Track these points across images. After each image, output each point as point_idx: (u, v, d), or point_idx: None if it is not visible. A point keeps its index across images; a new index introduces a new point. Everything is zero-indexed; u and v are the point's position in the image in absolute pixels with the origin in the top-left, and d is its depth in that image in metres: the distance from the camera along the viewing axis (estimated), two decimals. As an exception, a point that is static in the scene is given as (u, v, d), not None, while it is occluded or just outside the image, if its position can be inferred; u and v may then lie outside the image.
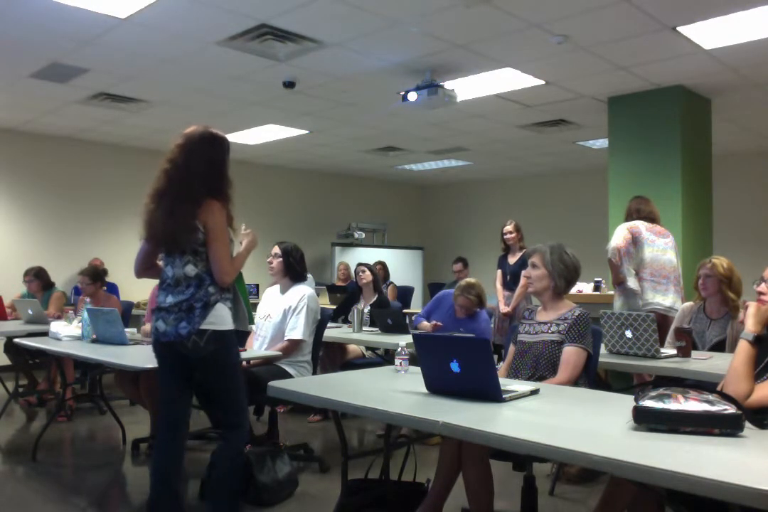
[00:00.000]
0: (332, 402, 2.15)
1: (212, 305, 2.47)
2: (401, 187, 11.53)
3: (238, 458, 2.63)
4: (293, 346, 3.57)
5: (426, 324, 4.42)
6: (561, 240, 2.93)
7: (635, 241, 4.30)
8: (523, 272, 3.21)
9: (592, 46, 4.64)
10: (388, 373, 2.67)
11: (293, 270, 3.72)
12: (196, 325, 2.44)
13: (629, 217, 4.49)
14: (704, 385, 1.83)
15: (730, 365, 1.87)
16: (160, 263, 2.63)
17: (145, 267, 2.67)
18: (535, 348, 2.69)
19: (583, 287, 6.05)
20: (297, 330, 3.56)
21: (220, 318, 2.50)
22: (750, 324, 1.90)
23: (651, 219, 4.46)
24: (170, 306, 2.49)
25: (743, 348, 1.86)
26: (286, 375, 3.43)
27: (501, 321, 5.37)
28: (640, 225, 4.37)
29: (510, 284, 5.44)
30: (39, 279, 5.53)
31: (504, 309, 5.34)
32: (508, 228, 5.51)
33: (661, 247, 4.39)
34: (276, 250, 3.74)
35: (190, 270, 2.48)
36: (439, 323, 4.34)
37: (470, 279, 4.45)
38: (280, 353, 3.46)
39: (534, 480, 2.44)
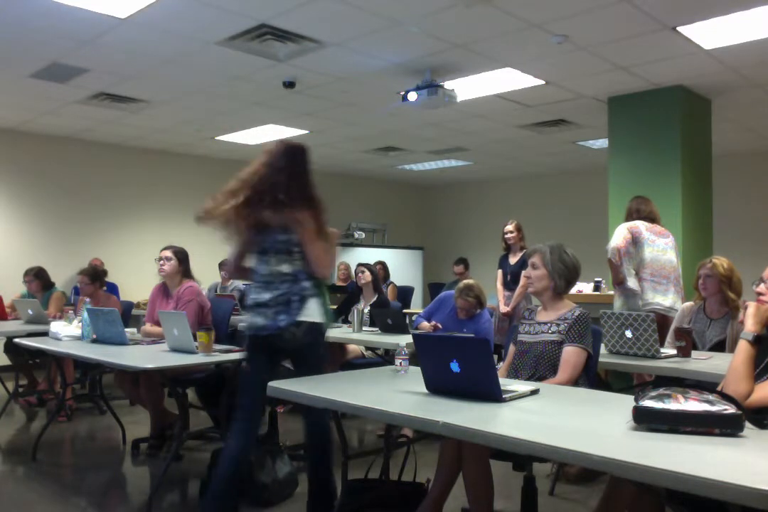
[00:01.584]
0: (332, 402, 2.15)
1: (307, 299, 2.68)
2: (401, 187, 11.53)
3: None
4: None
5: (426, 325, 4.42)
6: (561, 240, 2.92)
7: (635, 240, 4.30)
8: (524, 272, 3.22)
9: (592, 46, 4.64)
10: (388, 373, 2.67)
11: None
12: (294, 317, 2.64)
13: (629, 217, 4.49)
14: (704, 385, 1.83)
15: (730, 365, 1.87)
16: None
17: (237, 269, 2.86)
18: (536, 349, 2.69)
19: (583, 287, 6.05)
20: None
21: (314, 311, 2.69)
22: (749, 324, 1.90)
23: (651, 219, 4.46)
24: (268, 301, 2.66)
25: (743, 348, 1.86)
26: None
27: (501, 321, 5.37)
28: (640, 225, 4.37)
29: (510, 284, 5.45)
30: (39, 280, 5.52)
31: (504, 309, 5.35)
32: (509, 227, 5.52)
33: (661, 247, 4.39)
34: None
35: (285, 268, 2.68)
36: (438, 325, 4.34)
37: (469, 281, 4.45)
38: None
39: (534, 480, 2.44)
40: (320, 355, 2.79)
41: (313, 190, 2.77)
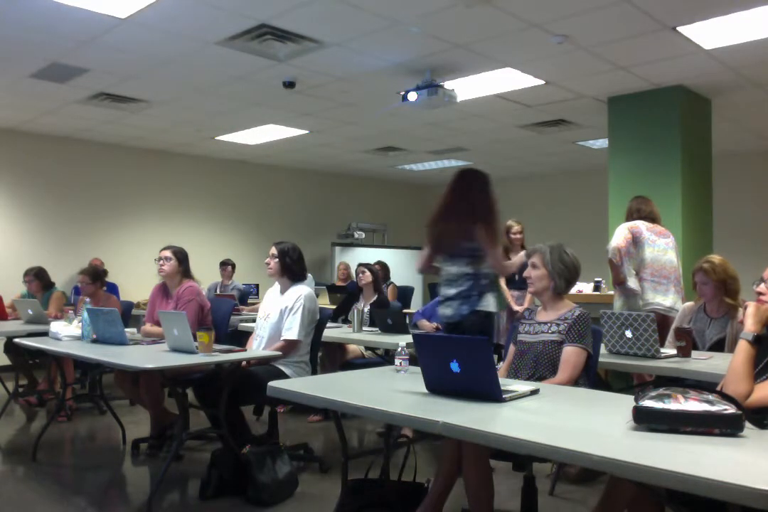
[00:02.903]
0: (332, 402, 2.15)
1: (485, 294, 3.34)
2: (401, 187, 11.53)
3: None
4: (289, 346, 3.56)
5: (426, 324, 4.42)
6: (561, 240, 2.93)
7: (636, 241, 4.30)
8: (525, 272, 3.23)
9: (592, 46, 4.64)
10: (388, 373, 2.67)
11: (291, 270, 3.71)
12: (473, 307, 3.30)
13: (630, 217, 4.49)
14: (704, 385, 1.83)
15: (729, 365, 1.86)
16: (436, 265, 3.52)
17: (428, 267, 3.58)
18: (535, 348, 2.69)
19: (583, 287, 6.04)
20: (292, 330, 3.56)
21: (489, 303, 3.35)
22: (749, 323, 1.89)
23: (652, 219, 4.46)
24: (454, 295, 3.35)
25: (743, 347, 1.86)
26: (283, 376, 3.42)
27: (507, 320, 5.38)
28: (641, 225, 4.37)
29: (519, 283, 5.45)
30: (39, 280, 5.53)
31: (517, 307, 5.36)
32: (518, 228, 5.59)
33: (661, 247, 4.39)
34: (273, 250, 3.74)
35: (469, 269, 3.33)
36: (440, 326, 4.34)
37: None
38: (278, 353, 3.46)
39: (534, 480, 2.44)
40: (490, 337, 3.40)
41: (493, 207, 3.43)
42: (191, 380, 3.65)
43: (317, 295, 3.88)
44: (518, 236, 5.58)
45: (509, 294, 5.51)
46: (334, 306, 5.79)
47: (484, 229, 3.28)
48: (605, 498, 2.26)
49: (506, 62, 5.02)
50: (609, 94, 5.88)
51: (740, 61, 4.93)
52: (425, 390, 2.19)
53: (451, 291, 3.34)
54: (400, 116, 6.62)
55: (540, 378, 2.60)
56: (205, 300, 3.97)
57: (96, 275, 5.03)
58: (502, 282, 5.60)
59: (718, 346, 3.30)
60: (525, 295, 5.35)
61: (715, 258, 3.46)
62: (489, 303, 3.35)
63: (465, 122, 6.88)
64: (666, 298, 4.28)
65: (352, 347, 4.88)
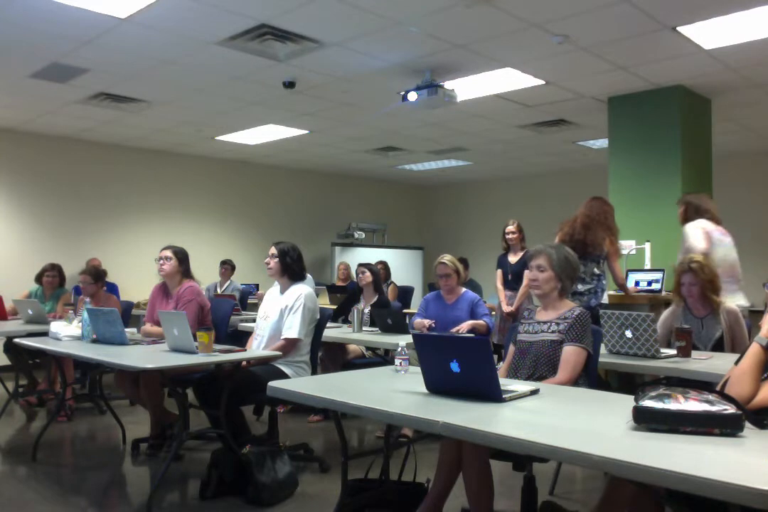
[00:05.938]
0: (332, 402, 2.15)
1: (604, 291, 4.36)
2: (401, 187, 11.53)
3: None
4: (289, 345, 3.56)
5: (420, 323, 4.41)
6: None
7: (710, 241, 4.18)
8: (526, 273, 3.21)
9: (592, 46, 4.64)
10: (388, 373, 2.67)
11: (290, 270, 3.71)
12: (599, 301, 4.26)
13: (687, 216, 4.36)
14: (704, 385, 1.82)
15: (737, 366, 1.82)
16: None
17: None
18: (535, 348, 2.69)
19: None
20: (293, 329, 3.55)
21: (605, 298, 4.42)
22: (766, 329, 1.86)
23: (714, 219, 4.32)
24: (583, 291, 4.25)
25: (755, 351, 1.82)
26: (283, 376, 3.42)
27: (503, 321, 5.37)
28: (707, 224, 4.26)
29: (512, 284, 5.45)
30: (60, 276, 5.60)
31: (507, 308, 5.34)
32: (511, 228, 5.54)
33: (728, 246, 4.27)
34: (273, 250, 3.74)
35: (596, 270, 4.28)
36: (432, 323, 4.33)
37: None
38: (278, 353, 3.45)
39: (534, 480, 2.44)
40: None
41: (613, 223, 4.40)
42: (191, 380, 3.65)
43: (317, 295, 3.88)
44: (511, 236, 5.54)
45: (503, 295, 5.50)
46: (334, 307, 5.78)
47: (607, 239, 4.29)
48: (605, 498, 2.26)
49: (506, 62, 5.02)
50: (609, 94, 5.88)
51: (740, 61, 4.93)
52: (425, 390, 2.19)
53: (580, 287, 4.20)
54: (400, 116, 6.62)
55: (540, 378, 2.60)
56: (205, 300, 3.97)
57: (97, 275, 5.03)
58: (499, 283, 5.61)
59: (719, 346, 3.28)
60: (516, 296, 5.34)
61: (698, 257, 3.42)
62: (605, 298, 4.49)
63: (465, 122, 6.89)
64: (734, 298, 4.04)
65: (352, 347, 4.88)
